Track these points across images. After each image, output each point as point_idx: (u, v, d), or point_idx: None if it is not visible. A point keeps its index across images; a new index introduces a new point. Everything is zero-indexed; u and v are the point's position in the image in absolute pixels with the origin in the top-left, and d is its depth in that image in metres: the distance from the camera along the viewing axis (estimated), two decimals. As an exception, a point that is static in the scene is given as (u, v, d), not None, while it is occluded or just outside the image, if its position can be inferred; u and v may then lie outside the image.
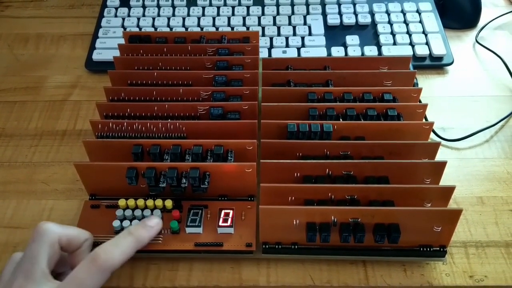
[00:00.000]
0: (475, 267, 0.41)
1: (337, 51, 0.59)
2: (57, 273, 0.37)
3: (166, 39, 0.53)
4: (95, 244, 0.40)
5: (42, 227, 0.35)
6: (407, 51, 0.58)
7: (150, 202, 0.42)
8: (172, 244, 0.41)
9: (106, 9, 0.64)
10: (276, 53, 0.59)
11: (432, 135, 0.49)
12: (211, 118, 0.46)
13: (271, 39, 0.60)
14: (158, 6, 0.64)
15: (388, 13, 0.63)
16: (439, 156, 0.43)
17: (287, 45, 0.60)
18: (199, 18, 0.63)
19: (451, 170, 0.47)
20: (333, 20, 0.62)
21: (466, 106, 0.54)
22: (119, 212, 0.41)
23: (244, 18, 0.62)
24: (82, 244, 0.38)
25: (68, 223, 0.42)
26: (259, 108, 0.46)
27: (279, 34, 0.61)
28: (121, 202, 0.42)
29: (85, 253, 0.38)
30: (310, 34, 0.61)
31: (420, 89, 0.47)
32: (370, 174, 0.41)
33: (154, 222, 0.40)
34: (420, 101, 0.48)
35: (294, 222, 0.39)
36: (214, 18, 0.63)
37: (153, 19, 0.63)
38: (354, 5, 0.64)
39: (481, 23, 0.64)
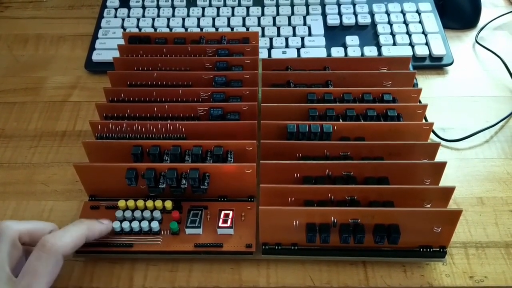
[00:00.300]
0: (475, 268, 0.41)
1: (337, 52, 0.59)
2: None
3: (166, 39, 0.53)
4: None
5: (0, 226, 0.35)
6: (406, 52, 0.58)
7: (149, 203, 0.42)
8: (171, 245, 0.41)
9: (105, 10, 0.64)
10: (276, 54, 0.58)
11: (432, 136, 0.49)
12: (210, 118, 0.46)
13: (270, 39, 0.60)
14: (158, 7, 0.64)
15: (388, 13, 0.63)
16: (439, 157, 0.43)
17: (286, 46, 0.59)
18: (198, 19, 0.63)
19: (451, 171, 0.47)
20: (333, 20, 0.62)
21: (466, 107, 0.54)
22: (118, 213, 0.41)
23: (243, 19, 0.62)
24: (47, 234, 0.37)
25: (67, 224, 0.42)
26: (258, 108, 0.46)
27: (278, 35, 0.61)
28: (121, 203, 0.42)
29: None
30: (310, 34, 0.61)
31: (420, 90, 0.47)
32: (370, 175, 0.41)
33: (106, 221, 0.40)
34: (420, 102, 0.48)
35: (294, 223, 0.39)
36: (213, 19, 0.63)
37: (153, 19, 0.63)
38: (354, 5, 0.64)
39: (481, 23, 0.64)
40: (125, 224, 0.41)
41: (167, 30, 0.62)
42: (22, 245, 0.36)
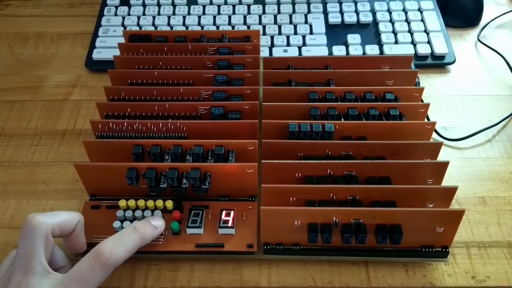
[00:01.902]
0: (477, 268, 0.41)
1: (339, 50, 0.58)
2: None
3: (167, 38, 0.53)
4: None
5: (33, 222, 0.35)
6: (408, 50, 0.58)
7: (150, 203, 0.42)
8: (173, 245, 0.41)
9: (106, 8, 0.64)
10: (277, 52, 0.58)
11: (434, 135, 0.49)
12: (212, 118, 0.46)
13: (272, 38, 0.60)
14: (159, 5, 0.64)
15: (389, 11, 0.62)
16: (441, 156, 0.43)
17: (288, 44, 0.59)
18: (199, 17, 0.62)
19: (453, 170, 0.47)
20: (335, 18, 0.62)
21: (468, 106, 0.54)
22: (119, 213, 0.41)
23: (245, 17, 0.62)
24: (74, 226, 0.38)
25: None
26: (260, 107, 0.46)
27: (280, 33, 0.60)
28: (122, 202, 0.41)
29: (79, 235, 0.38)
30: (311, 33, 0.60)
31: (422, 89, 0.47)
32: (372, 175, 0.41)
33: (159, 224, 0.40)
34: (422, 101, 0.48)
35: (296, 223, 0.38)
36: (214, 17, 0.62)
37: (153, 18, 0.63)
38: (356, 3, 0.63)
39: (483, 21, 0.63)
40: (126, 224, 0.41)
41: (168, 28, 0.62)
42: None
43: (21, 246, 0.34)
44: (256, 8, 0.63)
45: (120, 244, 0.36)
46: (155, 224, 0.40)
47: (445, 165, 0.41)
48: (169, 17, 0.62)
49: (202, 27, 0.61)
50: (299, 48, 0.59)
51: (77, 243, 0.39)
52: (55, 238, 0.37)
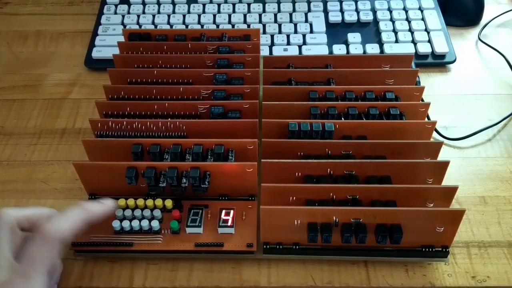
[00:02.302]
0: (477, 268, 0.41)
1: (339, 49, 0.58)
2: None
3: (166, 36, 0.53)
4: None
5: None
6: (409, 49, 0.58)
7: (150, 202, 0.41)
8: (172, 244, 0.40)
9: (105, 6, 0.64)
10: (277, 51, 0.58)
11: (434, 134, 0.49)
12: (211, 117, 0.46)
13: (272, 36, 0.60)
14: (158, 3, 0.64)
15: (390, 10, 0.62)
16: (441, 155, 0.43)
17: (288, 43, 0.59)
18: (199, 16, 0.62)
19: (453, 169, 0.47)
20: (335, 17, 0.61)
21: (468, 105, 0.54)
22: (118, 212, 0.41)
23: (245, 16, 0.62)
24: (45, 220, 0.37)
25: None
26: (260, 107, 0.46)
27: (280, 32, 0.60)
28: (121, 202, 0.41)
29: None
30: (311, 31, 0.60)
31: (423, 88, 0.47)
32: (372, 174, 0.41)
33: (107, 201, 0.40)
34: (422, 100, 0.48)
35: (295, 222, 0.38)
36: (214, 16, 0.62)
37: (153, 16, 0.62)
38: (356, 2, 0.63)
39: (483, 20, 0.63)
40: (125, 223, 0.41)
41: (168, 27, 0.61)
42: (22, 231, 0.36)
43: None
44: (256, 7, 0.63)
45: (62, 217, 0.36)
46: (104, 201, 0.40)
47: (445, 164, 0.41)
48: (169, 16, 0.62)
49: (202, 26, 0.61)
50: (299, 47, 0.59)
51: None
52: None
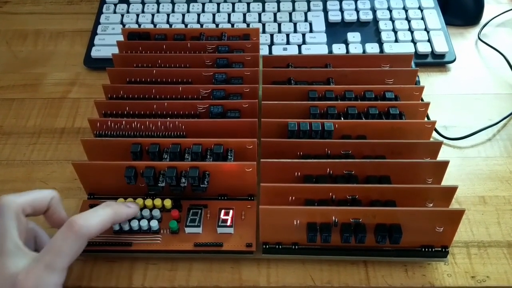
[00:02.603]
0: (477, 268, 0.41)
1: (338, 48, 0.58)
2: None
3: (166, 36, 0.53)
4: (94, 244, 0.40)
5: (2, 202, 0.35)
6: (409, 49, 0.58)
7: (149, 202, 0.41)
8: (171, 244, 0.40)
9: (105, 6, 0.64)
10: (277, 50, 0.58)
11: (434, 134, 0.49)
12: (210, 116, 0.46)
13: (271, 36, 0.60)
14: (158, 3, 0.64)
15: (390, 9, 0.62)
16: (441, 155, 0.43)
17: (287, 42, 0.59)
18: (198, 15, 0.62)
19: (453, 169, 0.47)
20: (334, 16, 0.61)
21: (468, 104, 0.54)
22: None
23: (244, 15, 0.62)
24: (48, 203, 0.37)
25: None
26: (259, 106, 0.46)
27: (279, 31, 0.60)
28: (120, 201, 0.41)
29: (57, 211, 0.38)
30: (311, 31, 0.60)
31: (422, 87, 0.47)
32: (371, 174, 0.41)
33: (133, 205, 0.40)
34: (422, 100, 0.48)
35: (295, 222, 0.38)
36: (214, 15, 0.62)
37: (153, 15, 0.62)
38: (356, 1, 0.63)
39: (483, 20, 0.63)
40: (124, 223, 0.40)
41: (167, 26, 0.61)
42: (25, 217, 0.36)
43: None
44: (256, 6, 0.63)
45: (93, 214, 0.36)
46: (129, 205, 0.40)
47: (445, 164, 0.41)
48: (168, 15, 0.62)
49: (202, 25, 0.61)
50: (299, 46, 0.59)
51: (56, 219, 0.38)
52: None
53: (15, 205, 0.35)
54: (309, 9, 0.62)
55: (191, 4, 0.63)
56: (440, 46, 0.57)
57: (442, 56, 0.57)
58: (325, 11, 0.62)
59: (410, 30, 0.60)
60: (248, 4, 0.63)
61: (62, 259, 0.34)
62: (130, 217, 0.40)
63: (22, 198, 0.36)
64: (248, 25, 0.61)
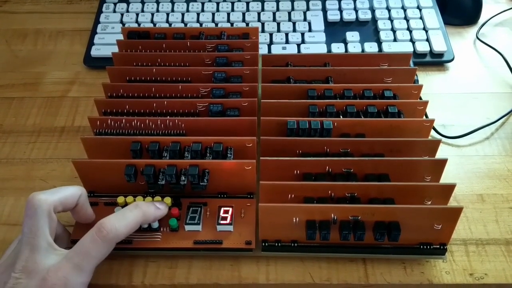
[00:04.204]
0: (475, 265, 0.41)
1: (337, 48, 0.58)
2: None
3: (165, 35, 0.53)
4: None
5: (34, 201, 0.35)
6: (407, 48, 0.58)
7: (149, 200, 0.41)
8: (171, 242, 0.41)
9: (104, 5, 0.64)
10: (276, 49, 0.58)
11: (432, 132, 0.49)
12: (210, 115, 0.46)
13: (270, 35, 0.60)
14: (157, 2, 0.64)
15: (388, 9, 0.62)
16: (439, 153, 0.43)
17: (287, 41, 0.59)
18: (198, 14, 0.62)
19: (451, 167, 0.47)
20: (333, 16, 0.61)
21: (466, 103, 0.54)
22: (117, 210, 0.41)
23: (243, 14, 0.62)
24: (77, 201, 0.38)
25: (66, 221, 0.42)
26: (258, 105, 0.46)
27: (278, 30, 0.60)
28: (120, 199, 0.41)
29: (84, 207, 0.40)
30: (310, 30, 0.60)
31: (421, 86, 0.47)
32: (370, 172, 0.41)
33: (162, 206, 0.41)
34: (420, 98, 0.48)
35: (294, 220, 0.38)
36: (213, 14, 0.62)
37: (152, 14, 0.62)
38: (355, 1, 0.63)
39: (482, 19, 0.63)
40: (124, 221, 0.41)
41: (167, 25, 0.61)
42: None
43: (26, 225, 0.35)
44: (255, 6, 0.63)
45: (121, 218, 0.37)
46: (159, 205, 0.41)
47: (443, 162, 0.41)
48: (167, 14, 0.62)
49: (201, 24, 0.61)
50: (298, 45, 0.59)
51: (83, 215, 0.40)
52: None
53: (47, 205, 0.36)
54: (308, 9, 0.63)
55: (190, 4, 0.63)
56: (439, 45, 0.58)
57: (440, 55, 0.58)
58: (324, 10, 0.62)
59: (409, 29, 0.60)
60: (248, 3, 0.63)
61: (89, 261, 0.35)
62: (158, 218, 0.41)
63: (54, 197, 0.37)
64: (247, 24, 0.61)
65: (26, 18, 0.66)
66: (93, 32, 0.61)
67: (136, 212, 0.38)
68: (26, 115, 0.54)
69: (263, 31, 0.60)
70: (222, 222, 0.41)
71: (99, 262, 0.36)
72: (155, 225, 0.41)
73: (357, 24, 0.61)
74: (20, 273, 0.33)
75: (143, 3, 0.64)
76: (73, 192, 0.38)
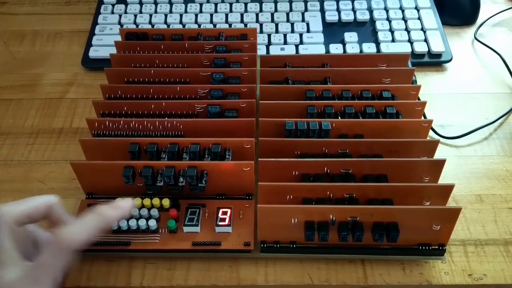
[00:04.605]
0: (474, 266, 0.41)
1: (336, 48, 0.58)
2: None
3: (163, 36, 0.53)
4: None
5: None
6: (405, 48, 0.58)
7: (147, 201, 0.41)
8: (169, 244, 0.40)
9: (102, 6, 0.64)
10: (274, 50, 0.58)
11: (431, 133, 0.49)
12: (208, 116, 0.46)
13: (269, 36, 0.60)
14: (155, 3, 0.64)
15: (386, 9, 0.62)
16: (438, 154, 0.43)
17: (285, 42, 0.59)
18: (196, 15, 0.62)
19: (449, 168, 0.47)
20: (331, 17, 0.61)
21: (465, 104, 0.54)
22: (116, 211, 0.41)
23: (242, 15, 0.62)
24: (45, 211, 0.37)
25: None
26: (257, 106, 0.46)
27: (277, 31, 0.60)
28: (118, 200, 0.41)
29: (56, 215, 0.37)
30: (308, 31, 0.60)
31: (419, 87, 0.47)
32: (368, 172, 0.41)
33: (126, 203, 0.39)
34: (418, 99, 0.48)
35: (293, 221, 0.38)
36: (211, 15, 0.62)
37: (150, 16, 0.62)
38: (353, 1, 0.63)
39: (480, 20, 0.63)
40: (123, 222, 0.40)
41: (165, 26, 0.61)
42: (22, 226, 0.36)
43: None
44: (253, 6, 0.63)
45: (79, 226, 0.35)
46: (121, 204, 0.38)
47: (441, 163, 0.41)
48: (166, 15, 0.62)
49: (199, 25, 0.61)
50: (296, 46, 0.59)
51: (57, 223, 0.38)
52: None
53: (9, 217, 0.35)
54: (306, 9, 0.63)
55: (188, 5, 0.63)
56: (437, 46, 0.58)
57: (438, 55, 0.58)
58: (322, 11, 0.62)
59: (407, 30, 0.60)
60: (246, 4, 0.63)
61: (46, 272, 0.33)
62: (124, 217, 0.39)
63: (17, 210, 0.35)
64: (245, 25, 0.61)
65: (24, 19, 0.66)
66: (91, 33, 0.61)
67: (95, 217, 0.36)
68: (24, 116, 0.54)
69: (261, 32, 0.60)
70: (220, 223, 0.41)
71: (61, 272, 0.34)
72: (154, 226, 0.41)
73: (355, 25, 0.61)
74: None
75: (141, 4, 0.64)
76: (41, 203, 0.37)
